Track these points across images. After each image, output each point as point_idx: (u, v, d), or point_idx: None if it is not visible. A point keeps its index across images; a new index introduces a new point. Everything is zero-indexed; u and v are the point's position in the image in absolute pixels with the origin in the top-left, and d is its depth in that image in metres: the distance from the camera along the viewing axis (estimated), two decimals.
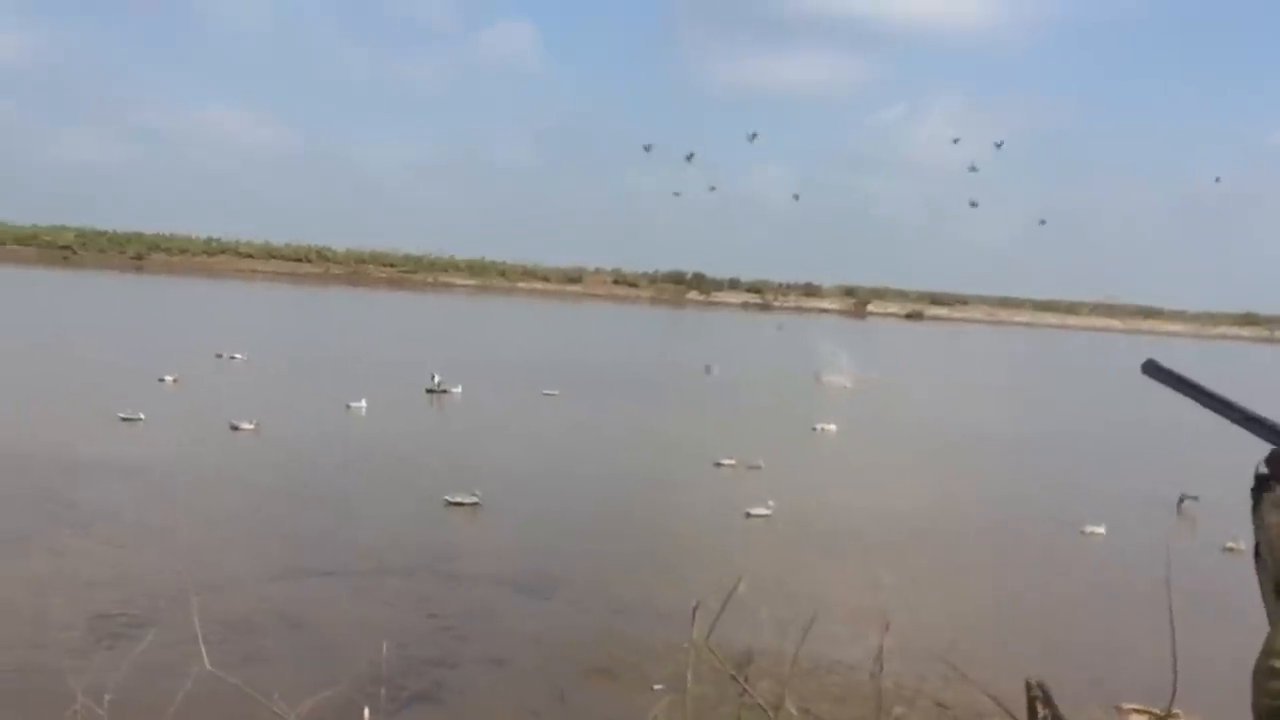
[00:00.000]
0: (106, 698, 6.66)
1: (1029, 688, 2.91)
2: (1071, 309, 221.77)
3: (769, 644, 3.62)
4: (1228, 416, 2.07)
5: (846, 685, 4.48)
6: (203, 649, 4.94)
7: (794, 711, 3.79)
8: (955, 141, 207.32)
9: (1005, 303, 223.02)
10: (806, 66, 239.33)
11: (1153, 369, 2.29)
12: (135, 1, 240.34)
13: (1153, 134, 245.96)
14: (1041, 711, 2.89)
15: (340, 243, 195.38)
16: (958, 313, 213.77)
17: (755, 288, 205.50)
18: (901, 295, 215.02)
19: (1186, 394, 2.18)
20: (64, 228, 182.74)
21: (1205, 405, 2.17)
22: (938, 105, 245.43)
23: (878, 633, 3.82)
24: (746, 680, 3.69)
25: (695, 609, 3.70)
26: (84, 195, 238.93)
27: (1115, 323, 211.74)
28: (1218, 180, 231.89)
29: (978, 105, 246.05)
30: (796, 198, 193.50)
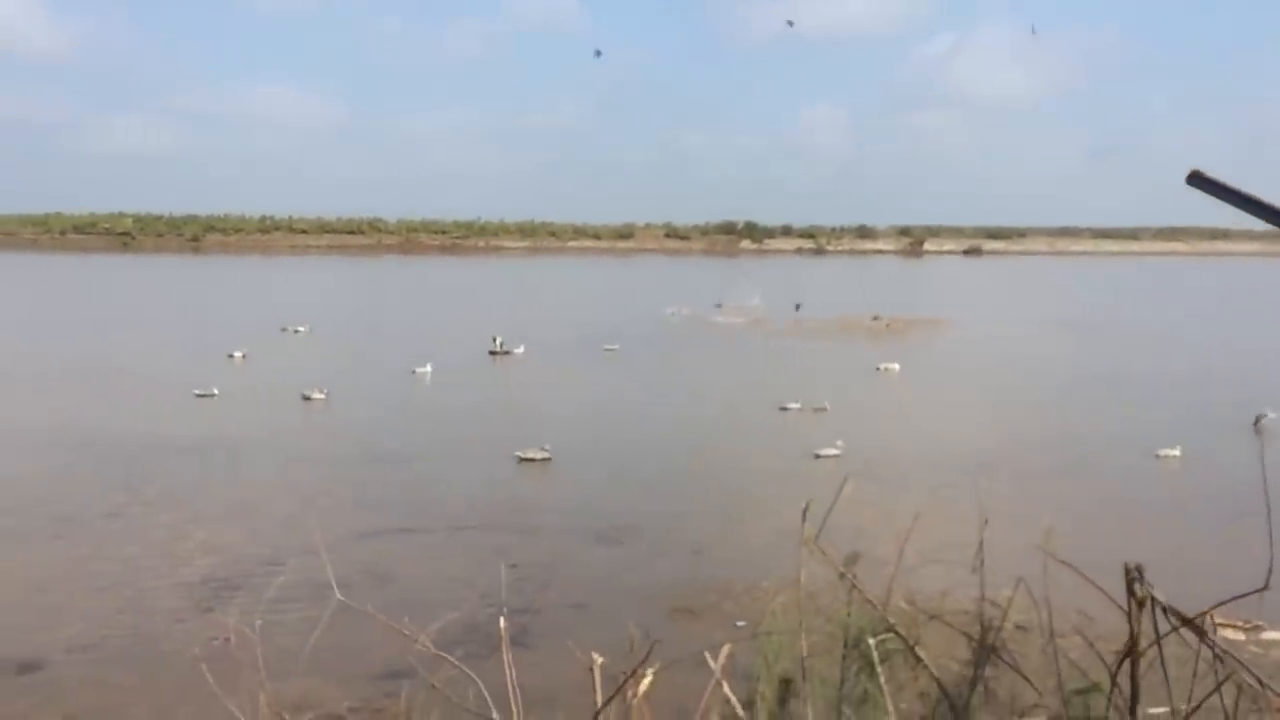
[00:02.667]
0: (257, 622, 7.02)
1: (1127, 570, 3.04)
2: (1133, 235, 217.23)
3: (869, 550, 3.77)
4: (1277, 223, 2.10)
5: (949, 580, 4.62)
6: (332, 580, 5.22)
7: (903, 604, 3.96)
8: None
9: (1065, 233, 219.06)
10: (849, 3, 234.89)
11: (1198, 180, 2.26)
12: None
13: (1213, 57, 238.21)
14: (1140, 592, 3.01)
15: (391, 213, 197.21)
16: (1016, 245, 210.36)
17: (808, 233, 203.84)
18: (958, 232, 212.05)
19: (1233, 202, 2.19)
20: (122, 214, 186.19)
21: (1255, 214, 2.16)
22: (982, 36, 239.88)
23: (975, 533, 3.94)
24: (855, 577, 3.87)
25: (805, 509, 3.88)
26: (140, 181, 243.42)
27: (1180, 246, 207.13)
28: None
29: (1024, 32, 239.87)
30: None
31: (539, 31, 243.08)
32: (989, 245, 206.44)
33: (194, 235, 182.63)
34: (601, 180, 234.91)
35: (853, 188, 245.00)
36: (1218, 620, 2.91)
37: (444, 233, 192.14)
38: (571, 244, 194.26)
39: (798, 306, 72.44)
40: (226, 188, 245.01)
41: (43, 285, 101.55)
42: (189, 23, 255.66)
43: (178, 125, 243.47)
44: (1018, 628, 3.63)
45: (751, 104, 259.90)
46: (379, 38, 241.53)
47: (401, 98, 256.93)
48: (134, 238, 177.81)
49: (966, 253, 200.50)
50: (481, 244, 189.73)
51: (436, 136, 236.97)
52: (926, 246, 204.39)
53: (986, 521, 4.26)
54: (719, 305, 76.32)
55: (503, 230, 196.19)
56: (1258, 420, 35.01)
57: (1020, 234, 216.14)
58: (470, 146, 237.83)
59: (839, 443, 30.44)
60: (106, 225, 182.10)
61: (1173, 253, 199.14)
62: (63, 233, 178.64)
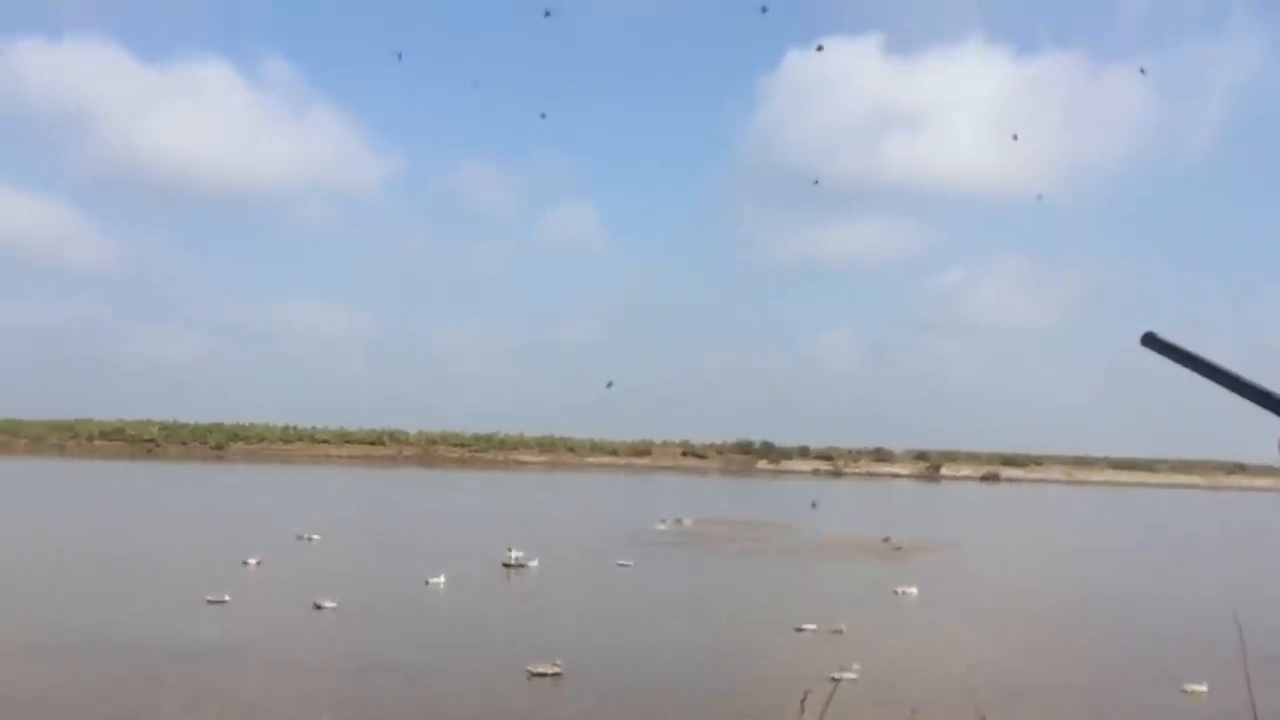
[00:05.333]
0: None
1: None
2: (1150, 467, 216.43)
3: None
4: (1230, 387, 2.15)
5: None
6: None
7: None
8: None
9: (1081, 462, 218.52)
10: (863, 235, 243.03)
11: (1152, 341, 2.31)
12: (214, 206, 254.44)
13: (1219, 285, 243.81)
14: None
15: (412, 424, 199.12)
16: (1034, 473, 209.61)
17: (825, 455, 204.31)
18: (974, 458, 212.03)
19: (1186, 365, 2.25)
20: (149, 422, 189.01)
21: (1207, 376, 2.20)
22: (996, 267, 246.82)
23: None
24: None
25: (803, 699, 4.21)
26: (168, 388, 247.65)
27: (1198, 479, 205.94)
28: None
29: (1036, 264, 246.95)
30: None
31: (561, 251, 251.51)
32: (1006, 472, 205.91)
33: (218, 443, 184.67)
34: (620, 396, 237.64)
35: (869, 411, 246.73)
36: None
37: (463, 445, 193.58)
38: (590, 459, 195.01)
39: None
40: (251, 396, 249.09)
41: (67, 491, 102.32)
42: (224, 239, 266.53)
43: (207, 336, 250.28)
44: None
45: (769, 326, 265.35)
46: (405, 258, 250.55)
47: (425, 312, 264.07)
48: (159, 444, 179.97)
49: (984, 479, 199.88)
50: (500, 457, 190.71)
51: (458, 350, 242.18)
52: (944, 471, 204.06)
53: None
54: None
55: (521, 443, 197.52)
56: None
57: (1037, 462, 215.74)
58: (491, 360, 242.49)
59: (855, 666, 29.90)
60: (133, 432, 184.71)
61: (1190, 485, 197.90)
62: (90, 439, 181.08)
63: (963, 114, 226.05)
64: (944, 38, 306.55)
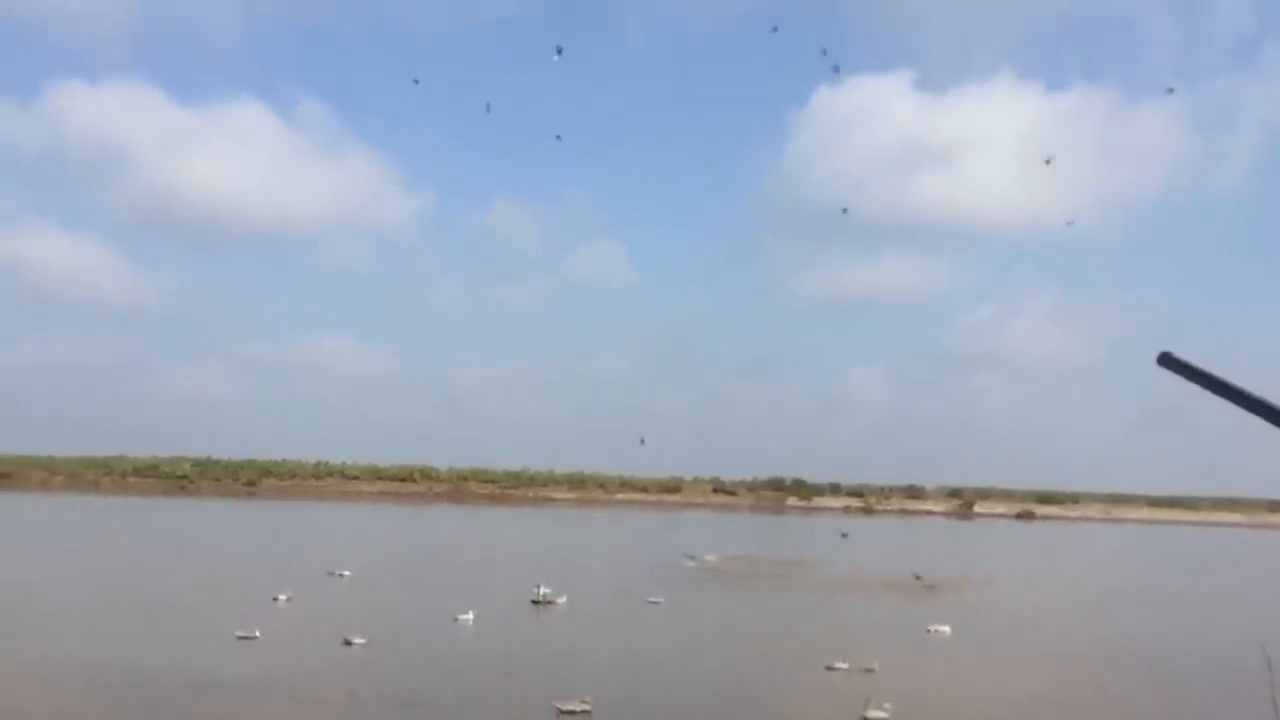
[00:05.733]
0: None
1: None
2: (1190, 504, 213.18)
3: None
4: (1248, 408, 2.11)
5: None
6: None
7: None
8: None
9: (1118, 499, 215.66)
10: (894, 270, 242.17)
11: (1169, 361, 2.30)
12: (248, 244, 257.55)
13: (1254, 318, 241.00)
14: None
15: (442, 461, 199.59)
16: (1070, 511, 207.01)
17: (856, 491, 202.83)
18: (1009, 495, 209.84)
19: (1205, 386, 2.22)
20: (182, 458, 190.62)
21: (1224, 397, 2.16)
22: (1029, 301, 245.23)
23: None
24: None
25: None
26: (201, 424, 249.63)
27: (1239, 517, 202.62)
28: None
29: (1069, 299, 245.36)
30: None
31: (590, 288, 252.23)
32: (1042, 510, 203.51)
33: (250, 480, 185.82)
34: (649, 432, 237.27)
35: (901, 447, 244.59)
36: None
37: (493, 481, 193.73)
38: (619, 496, 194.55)
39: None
40: (284, 432, 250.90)
41: (100, 527, 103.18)
42: (258, 276, 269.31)
43: (240, 372, 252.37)
44: None
45: (800, 362, 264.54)
46: (435, 295, 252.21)
47: (455, 349, 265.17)
48: (192, 481, 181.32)
49: (1019, 516, 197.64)
50: (530, 494, 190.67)
51: (488, 386, 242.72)
52: (977, 509, 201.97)
53: None
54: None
55: (551, 480, 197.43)
56: None
57: (1074, 499, 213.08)
58: (521, 397, 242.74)
59: (887, 705, 29.50)
60: (166, 469, 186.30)
61: (1232, 524, 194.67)
62: (124, 475, 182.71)
63: (993, 149, 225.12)
64: (975, 73, 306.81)
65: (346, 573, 62.01)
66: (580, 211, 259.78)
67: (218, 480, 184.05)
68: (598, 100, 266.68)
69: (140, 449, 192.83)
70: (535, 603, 52.73)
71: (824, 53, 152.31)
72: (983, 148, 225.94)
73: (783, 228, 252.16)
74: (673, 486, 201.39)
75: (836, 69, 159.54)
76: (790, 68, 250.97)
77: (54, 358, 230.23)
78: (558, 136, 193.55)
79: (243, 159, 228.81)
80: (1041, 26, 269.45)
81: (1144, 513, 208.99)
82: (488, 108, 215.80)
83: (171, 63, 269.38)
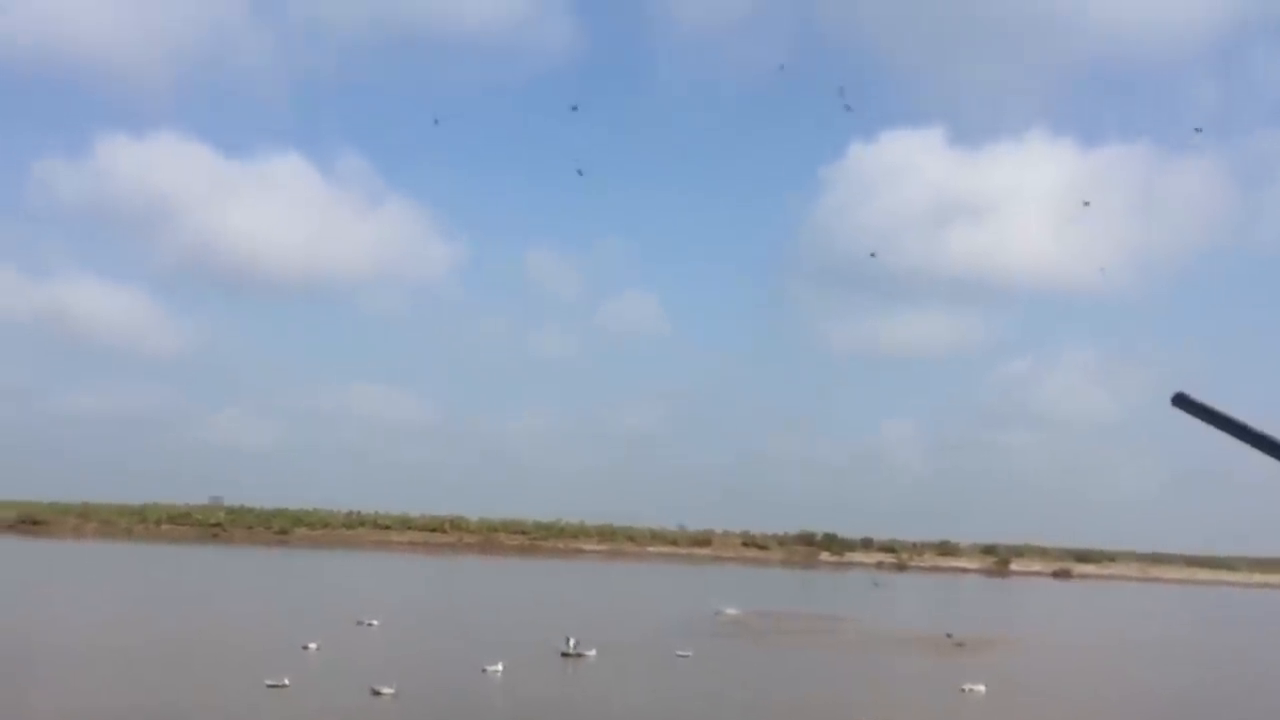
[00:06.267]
0: None
1: None
2: (1228, 564, 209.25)
3: None
4: (1264, 449, 2.11)
5: None
6: None
7: None
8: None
9: (1156, 559, 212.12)
10: (927, 324, 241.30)
11: (1183, 402, 2.29)
12: (286, 294, 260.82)
13: None
14: None
15: (473, 510, 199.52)
16: (1107, 569, 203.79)
17: (889, 547, 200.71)
18: (1044, 553, 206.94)
19: (1219, 426, 2.21)
20: (215, 506, 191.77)
21: (1240, 438, 2.15)
22: (1065, 358, 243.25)
23: None
24: None
25: None
26: (234, 474, 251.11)
27: (1278, 579, 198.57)
28: None
29: (1105, 355, 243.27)
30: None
31: (623, 338, 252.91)
32: (1078, 568, 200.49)
33: (282, 528, 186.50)
34: (680, 484, 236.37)
35: (935, 503, 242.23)
36: None
37: (524, 533, 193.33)
38: (650, 548, 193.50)
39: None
40: (316, 481, 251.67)
41: (133, 574, 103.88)
42: (295, 326, 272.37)
43: (275, 421, 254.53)
44: None
45: (832, 416, 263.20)
46: (469, 342, 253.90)
47: (487, 398, 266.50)
48: (224, 529, 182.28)
49: (1055, 575, 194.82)
50: (560, 545, 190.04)
51: (519, 437, 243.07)
52: (1013, 566, 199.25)
53: None
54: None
55: (581, 532, 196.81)
56: None
57: (1110, 557, 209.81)
58: (552, 447, 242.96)
59: None
60: (199, 517, 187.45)
61: (1273, 585, 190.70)
62: (158, 523, 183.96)
63: (1027, 204, 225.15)
64: (1008, 129, 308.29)
65: (376, 622, 62.02)
66: (615, 262, 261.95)
67: (250, 528, 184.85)
68: (633, 152, 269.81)
69: (175, 496, 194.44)
70: (565, 655, 52.47)
71: (841, 91, 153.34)
72: (1016, 203, 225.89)
73: (816, 281, 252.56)
74: (703, 539, 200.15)
75: (848, 108, 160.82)
76: (824, 121, 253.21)
77: (93, 405, 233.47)
78: (579, 171, 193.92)
79: (283, 210, 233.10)
80: (1075, 82, 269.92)
81: (1182, 572, 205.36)
82: (505, 146, 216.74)
83: (216, 116, 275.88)
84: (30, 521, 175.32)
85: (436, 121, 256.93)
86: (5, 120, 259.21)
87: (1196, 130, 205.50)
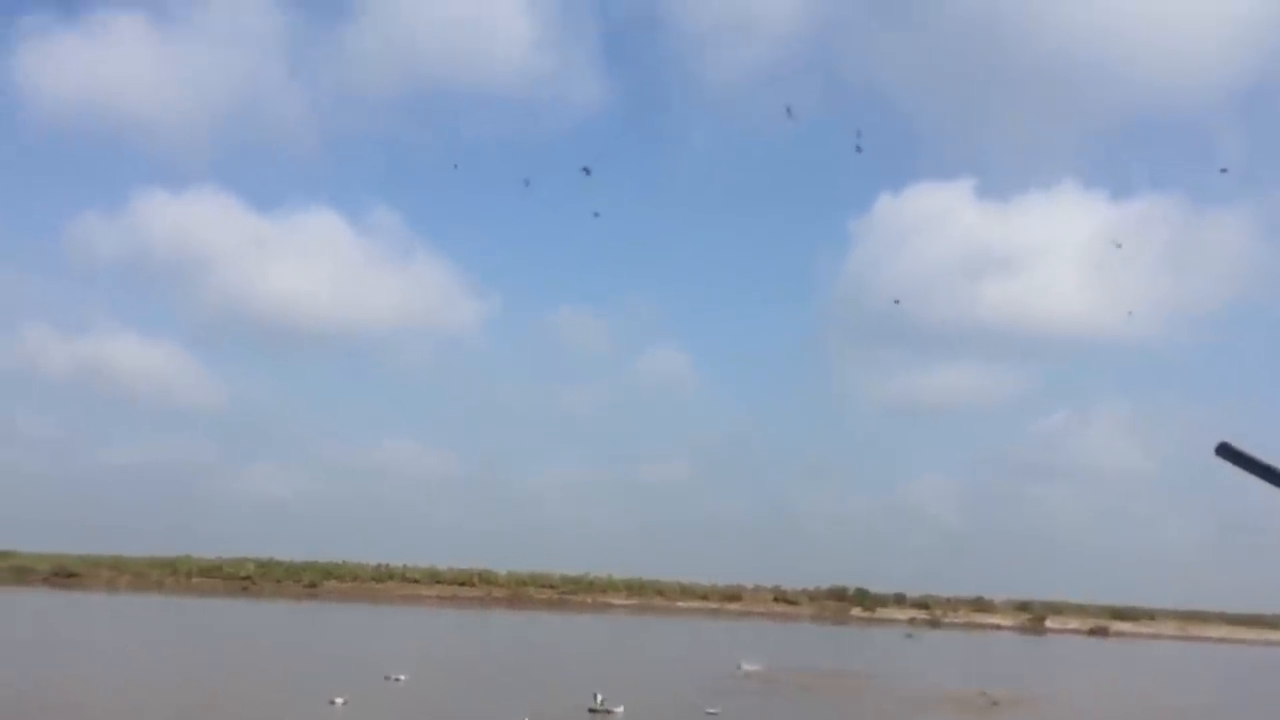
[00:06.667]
0: None
1: None
2: (1271, 623, 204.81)
3: None
4: None
5: None
6: None
7: None
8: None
9: (1196, 616, 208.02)
10: (959, 377, 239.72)
11: (1227, 451, 2.24)
12: (318, 347, 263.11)
13: None
14: None
15: (502, 564, 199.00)
16: (1145, 628, 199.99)
17: (922, 602, 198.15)
18: (1081, 610, 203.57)
19: (1264, 477, 2.16)
20: (245, 559, 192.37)
21: None
22: (1101, 410, 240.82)
23: None
24: None
25: None
26: (265, 527, 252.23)
27: None
28: None
29: (1141, 408, 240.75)
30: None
31: (652, 392, 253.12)
32: (1116, 626, 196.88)
33: (312, 581, 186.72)
34: (710, 538, 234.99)
35: (968, 558, 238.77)
36: None
37: (552, 587, 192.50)
38: (679, 603, 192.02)
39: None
40: (346, 534, 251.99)
41: (162, 627, 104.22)
42: (326, 379, 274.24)
43: (305, 474, 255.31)
44: None
45: (863, 469, 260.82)
46: (498, 396, 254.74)
47: (516, 452, 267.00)
48: (254, 582, 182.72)
49: (1092, 632, 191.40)
50: (589, 599, 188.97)
51: (548, 490, 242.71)
52: (1048, 623, 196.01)
53: None
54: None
55: (610, 586, 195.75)
56: None
57: (1149, 615, 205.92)
58: (581, 501, 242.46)
59: None
60: (229, 569, 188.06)
61: None
62: (189, 575, 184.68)
63: (1059, 257, 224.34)
64: (1038, 181, 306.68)
65: (403, 677, 61.78)
66: (644, 315, 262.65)
67: (279, 581, 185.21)
68: (662, 207, 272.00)
69: (206, 549, 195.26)
70: (593, 711, 51.99)
71: (858, 134, 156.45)
72: (1048, 254, 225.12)
73: (846, 333, 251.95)
74: (733, 594, 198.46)
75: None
76: (852, 174, 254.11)
77: (128, 459, 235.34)
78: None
79: (315, 264, 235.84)
80: (1105, 133, 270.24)
81: (1223, 630, 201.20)
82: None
83: (250, 172, 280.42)
84: (64, 574, 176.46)
85: (456, 166, 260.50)
86: (43, 177, 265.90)
87: (1222, 171, 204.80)
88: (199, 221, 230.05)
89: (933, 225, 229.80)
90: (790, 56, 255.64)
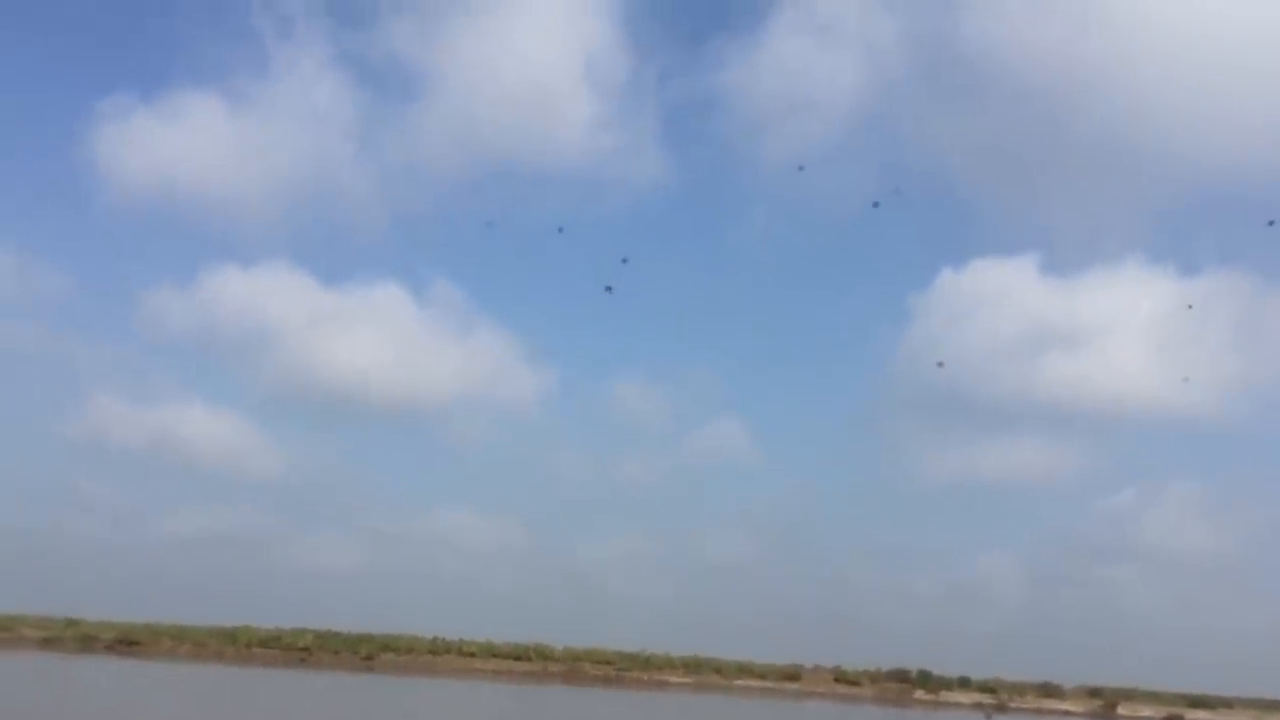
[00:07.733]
0: None
1: None
2: None
3: None
4: None
5: None
6: None
7: None
8: None
9: (1275, 706, 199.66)
10: (1023, 455, 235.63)
11: None
12: (379, 419, 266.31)
13: None
14: None
15: (558, 638, 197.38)
16: (1222, 716, 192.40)
17: (988, 686, 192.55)
18: (1155, 697, 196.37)
19: None
20: (303, 630, 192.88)
21: None
22: (1171, 489, 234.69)
23: None
24: None
25: None
26: (324, 598, 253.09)
27: None
28: None
29: (1214, 488, 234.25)
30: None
31: (710, 466, 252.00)
32: (1192, 714, 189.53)
33: (369, 653, 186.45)
34: (769, 615, 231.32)
35: (1036, 641, 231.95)
36: None
37: (608, 663, 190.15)
38: (737, 681, 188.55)
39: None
40: (403, 606, 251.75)
41: (217, 698, 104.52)
42: (386, 450, 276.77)
43: (364, 545, 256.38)
44: None
45: (926, 547, 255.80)
46: (556, 469, 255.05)
47: (573, 525, 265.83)
48: (311, 653, 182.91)
49: None
50: (645, 677, 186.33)
51: (605, 565, 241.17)
52: (1120, 710, 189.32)
53: None
54: None
55: (667, 664, 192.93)
56: None
57: (1227, 704, 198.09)
58: (638, 576, 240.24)
59: None
60: (288, 640, 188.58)
61: None
62: (248, 645, 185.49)
63: (1125, 333, 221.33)
64: (1103, 257, 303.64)
65: None
66: (703, 390, 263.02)
67: (336, 653, 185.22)
68: (721, 281, 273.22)
69: (267, 619, 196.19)
70: None
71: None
72: (1113, 332, 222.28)
73: (907, 408, 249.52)
74: (792, 674, 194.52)
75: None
76: (914, 249, 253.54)
77: (192, 530, 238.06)
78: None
79: (379, 337, 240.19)
80: (1173, 209, 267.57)
81: None
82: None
83: (318, 248, 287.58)
84: (127, 642, 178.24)
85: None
86: (120, 252, 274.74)
87: (1269, 224, 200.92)
88: (268, 295, 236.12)
89: (995, 300, 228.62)
90: (852, 135, 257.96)
